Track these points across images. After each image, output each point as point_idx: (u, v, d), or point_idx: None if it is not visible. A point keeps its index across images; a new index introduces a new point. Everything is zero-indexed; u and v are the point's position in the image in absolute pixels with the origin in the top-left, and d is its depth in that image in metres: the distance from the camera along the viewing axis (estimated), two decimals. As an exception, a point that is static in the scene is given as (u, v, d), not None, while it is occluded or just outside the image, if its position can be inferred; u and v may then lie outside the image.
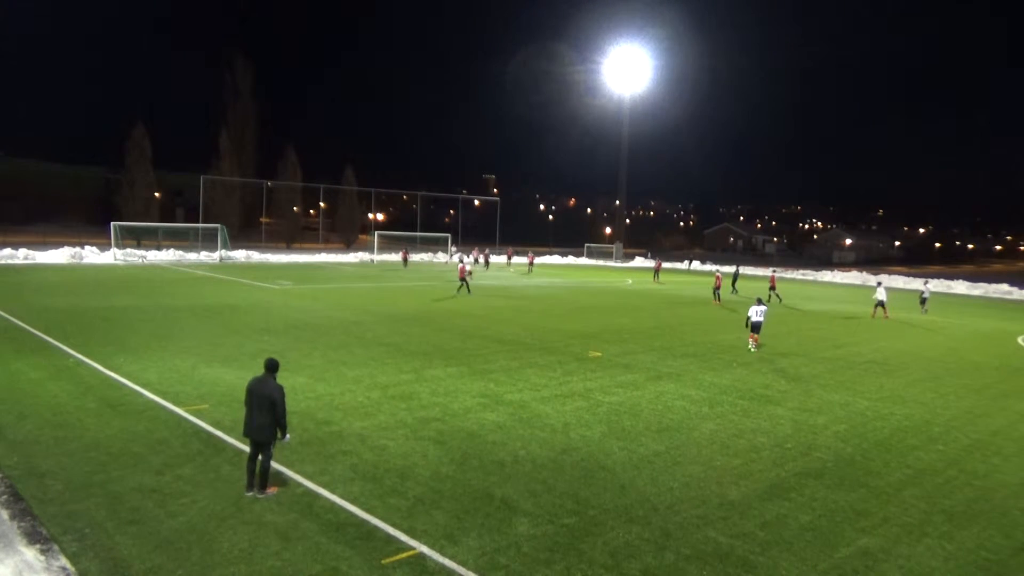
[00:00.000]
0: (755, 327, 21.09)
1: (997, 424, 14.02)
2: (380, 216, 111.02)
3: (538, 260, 68.57)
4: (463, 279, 33.80)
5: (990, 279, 64.75)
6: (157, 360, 15.67)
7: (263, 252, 60.30)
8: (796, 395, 15.53)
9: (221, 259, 52.99)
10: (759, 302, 21.66)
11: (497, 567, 7.06)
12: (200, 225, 59.00)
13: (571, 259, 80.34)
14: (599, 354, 19.10)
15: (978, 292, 55.59)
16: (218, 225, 55.98)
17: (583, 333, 22.88)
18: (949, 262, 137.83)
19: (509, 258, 66.86)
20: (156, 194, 72.72)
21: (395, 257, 66.26)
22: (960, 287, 58.01)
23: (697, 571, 7.22)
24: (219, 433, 10.67)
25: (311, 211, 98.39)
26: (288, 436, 8.76)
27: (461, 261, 36.71)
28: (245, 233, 74.13)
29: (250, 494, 8.46)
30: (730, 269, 52.70)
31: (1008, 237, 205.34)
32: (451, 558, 7.17)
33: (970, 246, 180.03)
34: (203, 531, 7.51)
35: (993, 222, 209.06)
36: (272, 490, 8.60)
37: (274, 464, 9.49)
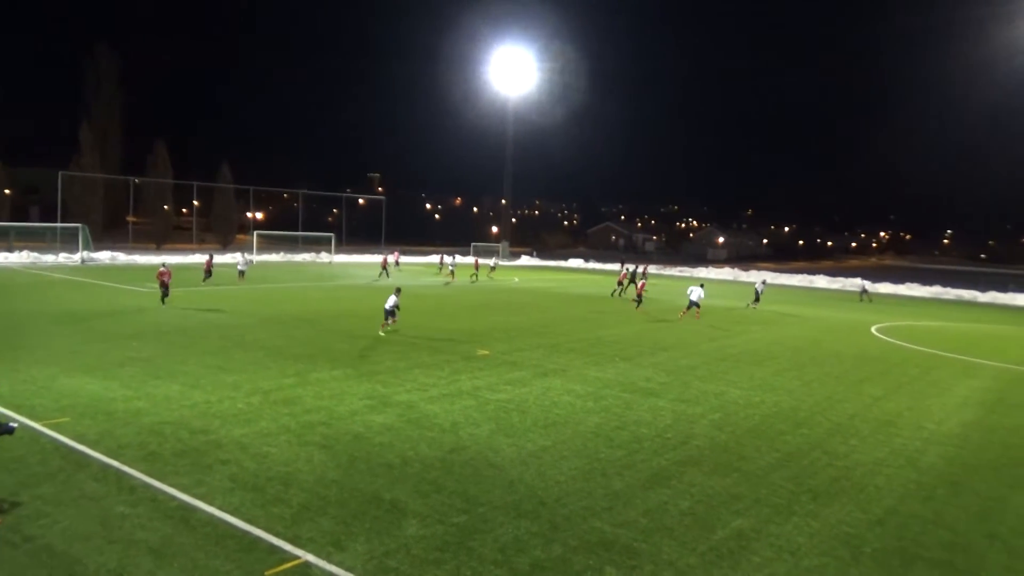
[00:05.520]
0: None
1: (854, 408, 15.16)
2: (259, 215, 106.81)
3: (419, 260, 67.86)
4: (164, 287, 26.24)
5: (847, 274, 70.15)
6: (9, 371, 14.40)
7: (130, 253, 56.66)
8: (675, 387, 16.20)
9: (83, 261, 49.38)
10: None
11: (387, 571, 6.96)
12: (58, 225, 54.74)
13: (458, 258, 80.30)
14: (487, 352, 19.20)
15: (836, 286, 60.05)
16: (79, 225, 52.16)
17: (471, 331, 22.93)
18: (812, 258, 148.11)
19: (441, 262, 56.45)
20: (7, 191, 66.99)
21: (276, 258, 63.96)
22: (821, 281, 62.43)
23: (584, 561, 7.39)
24: (82, 448, 9.93)
25: (183, 210, 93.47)
26: (13, 426, 8.16)
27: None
28: (110, 233, 69.47)
29: None
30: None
31: (862, 235, 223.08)
32: (338, 565, 7.00)
33: (829, 243, 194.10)
34: (65, 553, 6.97)
35: (849, 221, 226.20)
36: None
37: (144, 478, 8.97)
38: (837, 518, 8.98)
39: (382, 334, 21.20)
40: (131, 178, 72.58)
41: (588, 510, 8.75)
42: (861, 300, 46.26)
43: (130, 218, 73.28)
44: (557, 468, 10.25)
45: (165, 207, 75.97)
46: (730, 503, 9.28)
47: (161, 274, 26.70)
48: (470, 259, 54.57)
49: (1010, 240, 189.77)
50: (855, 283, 59.79)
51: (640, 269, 47.44)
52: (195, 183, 77.44)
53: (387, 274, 46.06)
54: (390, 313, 21.54)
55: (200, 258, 55.22)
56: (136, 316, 23.18)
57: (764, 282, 40.76)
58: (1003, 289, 56.46)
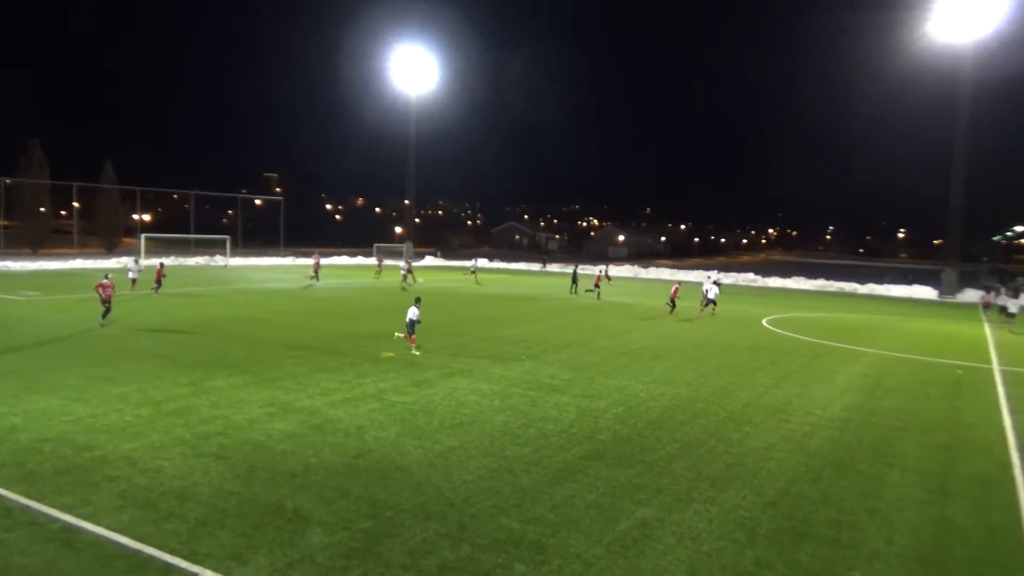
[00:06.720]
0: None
1: (747, 397, 15.87)
2: (147, 217, 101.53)
3: (323, 261, 66.04)
4: (107, 302, 22.71)
5: (739, 269, 73.41)
6: None
7: (3, 259, 52.75)
8: (579, 383, 16.48)
9: (-52, 268, 45.59)
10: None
11: (290, 582, 6.75)
12: (-82, 229, 50.29)
13: (360, 260, 78.86)
14: (392, 354, 18.95)
15: (729, 281, 62.61)
16: (-58, 230, 48.08)
17: (375, 334, 22.57)
18: (706, 255, 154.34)
19: (379, 265, 53.52)
20: None
21: (168, 261, 60.83)
22: (715, 277, 65.03)
23: (492, 560, 7.41)
24: (-51, 470, 9.15)
25: (63, 212, 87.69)
26: None
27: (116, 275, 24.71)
28: (-21, 238, 64.50)
29: None
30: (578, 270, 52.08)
31: (752, 232, 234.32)
32: (238, 579, 6.74)
33: (722, 240, 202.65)
34: (-70, 586, 6.41)
35: (740, 218, 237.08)
36: None
37: (22, 499, 8.37)
38: (733, 502, 9.37)
39: (416, 352, 19.15)
40: (2, 179, 67.51)
41: (496, 508, 8.78)
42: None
43: (2, 221, 68.16)
44: (465, 468, 10.24)
45: (42, 209, 71.04)
46: (634, 493, 9.53)
47: (104, 287, 22.68)
48: (400, 262, 52.17)
49: (885, 235, 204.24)
50: (746, 278, 62.73)
51: (581, 270, 45.87)
52: (75, 184, 72.81)
53: (317, 278, 43.80)
54: (411, 327, 19.41)
55: (84, 263, 51.99)
56: (9, 326, 21.58)
57: (715, 282, 40.93)
58: (880, 281, 60.46)
